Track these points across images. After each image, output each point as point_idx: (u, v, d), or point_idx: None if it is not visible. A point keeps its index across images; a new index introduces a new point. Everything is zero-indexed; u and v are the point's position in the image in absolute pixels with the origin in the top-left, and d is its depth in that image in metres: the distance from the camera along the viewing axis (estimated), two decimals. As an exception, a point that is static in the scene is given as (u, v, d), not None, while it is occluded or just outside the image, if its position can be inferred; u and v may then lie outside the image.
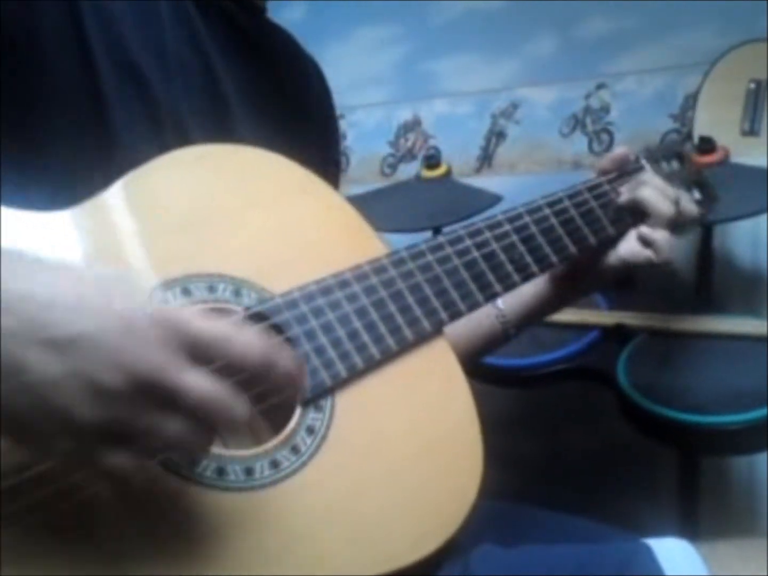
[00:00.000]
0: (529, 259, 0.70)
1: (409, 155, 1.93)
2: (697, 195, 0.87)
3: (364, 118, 1.97)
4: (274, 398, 0.54)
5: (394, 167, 1.95)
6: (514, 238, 0.70)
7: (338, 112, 2.13)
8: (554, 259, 0.72)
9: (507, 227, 0.70)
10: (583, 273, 0.80)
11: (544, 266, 0.71)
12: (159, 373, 0.41)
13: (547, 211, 0.73)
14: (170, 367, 0.42)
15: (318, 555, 0.51)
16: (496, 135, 1.81)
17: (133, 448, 0.42)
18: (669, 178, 0.83)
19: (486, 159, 1.82)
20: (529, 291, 0.82)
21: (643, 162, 0.83)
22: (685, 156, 0.88)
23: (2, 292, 0.40)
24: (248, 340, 0.45)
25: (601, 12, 1.65)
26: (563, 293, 0.83)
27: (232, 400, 0.43)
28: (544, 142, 1.75)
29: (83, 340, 0.41)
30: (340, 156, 0.90)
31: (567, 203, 0.74)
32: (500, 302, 0.83)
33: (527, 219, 0.71)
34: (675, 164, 0.87)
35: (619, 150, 0.82)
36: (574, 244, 0.73)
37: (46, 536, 0.44)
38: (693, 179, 0.86)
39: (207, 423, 0.43)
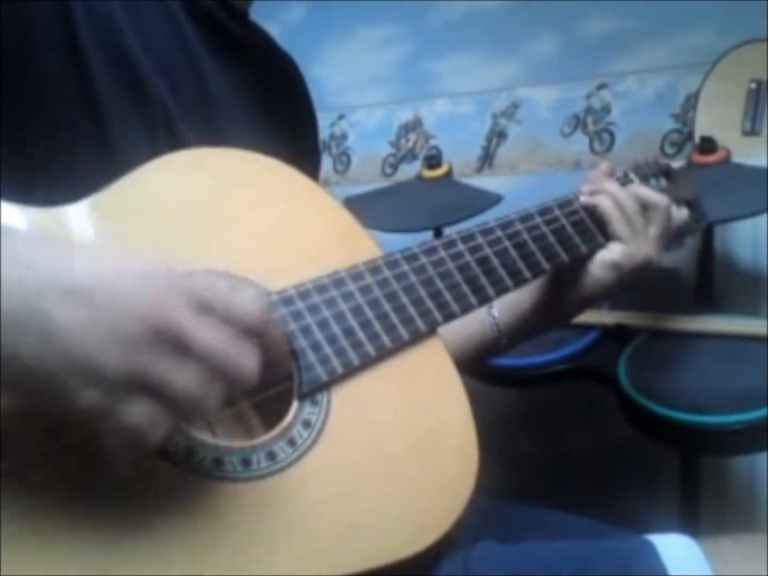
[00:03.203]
0: (521, 264, 0.71)
1: (410, 155, 1.93)
2: (684, 214, 0.87)
3: (365, 118, 1.97)
4: (268, 391, 0.55)
5: (395, 167, 1.95)
6: (507, 243, 0.71)
7: (339, 111, 2.14)
8: (546, 266, 0.73)
9: (499, 233, 0.71)
10: (570, 286, 0.80)
11: (536, 272, 0.73)
12: (175, 320, 0.43)
13: (538, 219, 0.75)
14: (185, 315, 0.43)
15: (314, 546, 0.51)
16: (497, 135, 1.81)
17: (152, 397, 0.42)
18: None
19: (487, 159, 1.83)
20: (526, 303, 0.83)
21: (632, 177, 0.84)
22: (673, 174, 0.90)
23: (20, 248, 0.41)
24: (248, 299, 0.47)
25: (602, 12, 1.65)
26: (557, 307, 0.83)
27: (242, 350, 0.45)
28: (545, 142, 1.76)
29: (102, 289, 0.42)
30: (320, 153, 0.92)
31: (557, 212, 0.76)
32: (495, 311, 0.83)
33: (519, 226, 0.73)
34: (663, 182, 0.88)
35: (604, 164, 0.84)
36: (566, 251, 0.75)
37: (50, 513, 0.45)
38: (682, 198, 0.87)
39: (218, 372, 0.44)
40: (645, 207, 0.79)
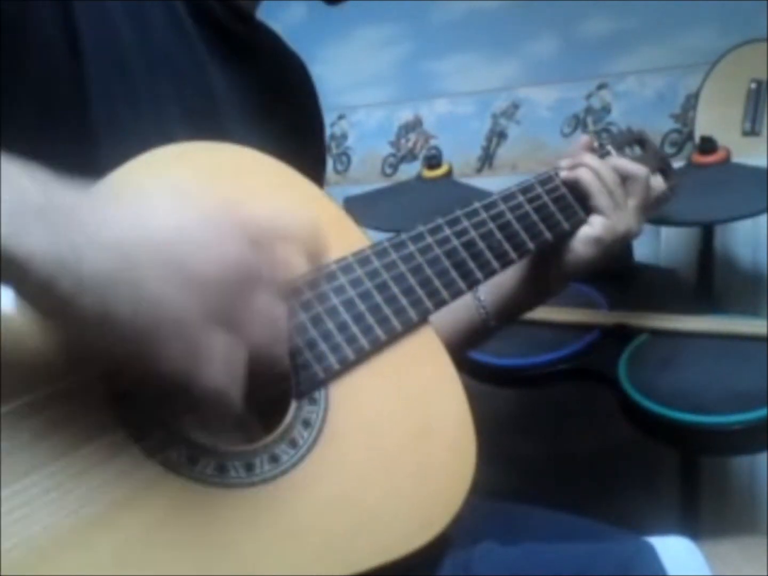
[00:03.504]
0: (507, 246, 0.72)
1: (410, 155, 1.93)
2: (660, 183, 0.89)
3: (365, 118, 1.97)
4: (266, 391, 0.55)
5: (395, 167, 1.95)
6: (491, 225, 0.72)
7: (339, 112, 2.14)
8: (531, 245, 0.74)
9: (483, 215, 0.72)
10: (554, 263, 0.81)
11: (522, 252, 0.73)
12: (243, 260, 0.46)
13: (520, 198, 0.75)
14: (250, 253, 0.46)
15: (322, 547, 0.51)
16: (497, 135, 1.81)
17: (231, 334, 0.45)
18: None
19: (487, 159, 1.83)
20: (509, 282, 0.83)
21: (609, 148, 0.85)
22: (647, 142, 0.91)
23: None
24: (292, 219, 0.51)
25: (602, 12, 1.65)
26: (541, 284, 0.83)
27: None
28: (545, 142, 1.76)
29: (179, 242, 0.45)
30: (326, 154, 0.91)
31: (539, 190, 0.77)
32: (481, 294, 0.84)
33: (502, 206, 0.73)
34: (637, 150, 0.89)
35: (583, 137, 0.85)
36: (549, 229, 0.76)
37: None
38: (657, 166, 0.88)
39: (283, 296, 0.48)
40: (625, 178, 0.80)
